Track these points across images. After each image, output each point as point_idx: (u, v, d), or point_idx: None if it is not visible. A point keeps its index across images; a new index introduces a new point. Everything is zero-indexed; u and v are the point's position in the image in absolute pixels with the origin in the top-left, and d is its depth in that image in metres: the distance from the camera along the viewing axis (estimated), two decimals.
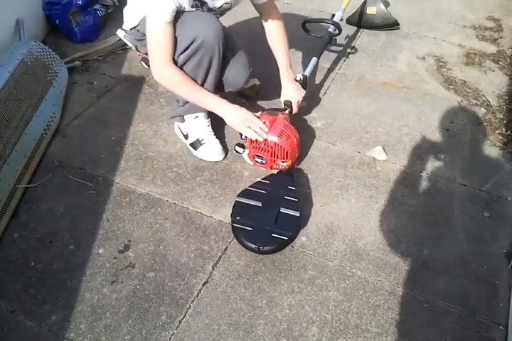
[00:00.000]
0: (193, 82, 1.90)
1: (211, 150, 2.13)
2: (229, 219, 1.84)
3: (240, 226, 1.80)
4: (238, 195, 1.90)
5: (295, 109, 2.16)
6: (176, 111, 2.12)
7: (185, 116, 2.12)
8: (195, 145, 2.13)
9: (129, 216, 1.91)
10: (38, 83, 2.31)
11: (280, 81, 2.19)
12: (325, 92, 2.55)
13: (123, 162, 2.12)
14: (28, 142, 2.09)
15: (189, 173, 2.09)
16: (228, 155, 2.18)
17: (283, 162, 2.02)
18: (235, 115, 1.95)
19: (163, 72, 1.87)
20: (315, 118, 2.39)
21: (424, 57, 2.86)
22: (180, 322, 1.61)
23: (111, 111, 2.36)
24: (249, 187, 1.94)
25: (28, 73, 2.29)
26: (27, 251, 1.77)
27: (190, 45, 1.81)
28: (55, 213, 1.90)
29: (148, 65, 2.06)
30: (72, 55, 2.65)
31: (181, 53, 1.84)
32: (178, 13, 1.77)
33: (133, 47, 2.11)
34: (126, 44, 2.14)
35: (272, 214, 1.83)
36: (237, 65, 2.06)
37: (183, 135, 2.16)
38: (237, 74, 2.08)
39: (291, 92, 2.17)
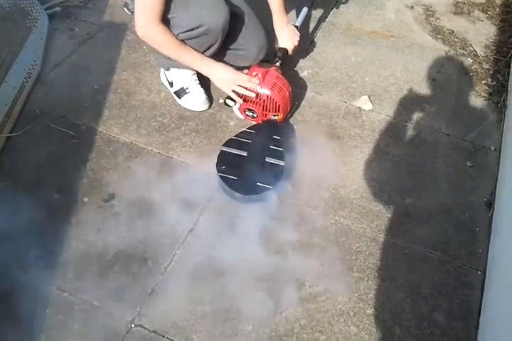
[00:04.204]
0: (179, 43, 1.83)
1: (195, 100, 2.10)
2: (214, 169, 1.84)
3: (225, 175, 1.81)
4: (223, 145, 1.90)
5: (290, 52, 2.11)
6: (161, 61, 2.07)
7: None
8: (179, 93, 2.10)
9: (114, 165, 1.90)
10: (17, 29, 2.23)
11: (272, 26, 2.10)
12: (312, 41, 2.50)
13: (106, 111, 2.09)
14: (9, 90, 2.05)
15: (174, 123, 2.07)
16: (213, 104, 2.15)
17: (274, 115, 1.99)
18: (222, 76, 1.92)
19: (149, 32, 1.80)
20: (301, 68, 2.35)
21: (412, 6, 2.80)
22: (166, 268, 1.64)
23: (93, 59, 2.31)
24: (235, 136, 1.93)
25: (6, 19, 2.21)
26: (10, 200, 1.76)
27: (193, 28, 1.78)
28: (39, 162, 1.88)
29: (131, 11, 1.99)
30: (52, 0, 2.55)
31: (182, 32, 1.80)
32: None
33: None
34: None
35: (257, 163, 1.84)
36: (257, 41, 2.02)
37: (169, 82, 2.12)
38: (257, 51, 2.03)
39: (287, 38, 2.09)
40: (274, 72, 1.98)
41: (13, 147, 1.93)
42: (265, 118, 2.02)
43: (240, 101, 1.95)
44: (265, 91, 1.93)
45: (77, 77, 2.22)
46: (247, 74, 1.95)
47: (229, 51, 2.04)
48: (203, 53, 1.90)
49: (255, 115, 2.01)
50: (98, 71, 2.25)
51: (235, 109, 2.07)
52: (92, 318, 1.51)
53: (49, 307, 1.53)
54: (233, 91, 1.92)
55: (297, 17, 2.29)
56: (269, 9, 2.06)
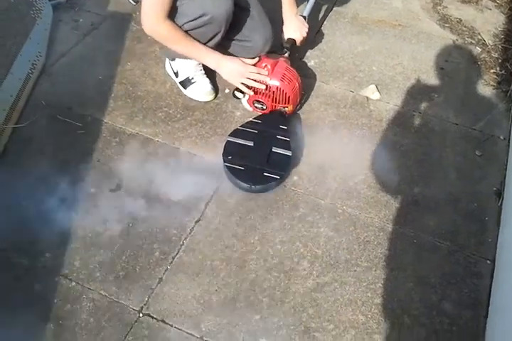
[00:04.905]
0: (186, 38, 1.82)
1: (201, 90, 2.08)
2: (220, 159, 1.83)
3: (231, 165, 1.80)
4: (229, 135, 1.88)
5: (298, 44, 2.08)
6: (166, 51, 2.06)
7: None
8: (184, 83, 2.08)
9: (120, 156, 1.89)
10: (21, 21, 2.22)
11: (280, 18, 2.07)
12: (318, 30, 2.47)
13: (111, 101, 2.08)
14: (14, 82, 2.04)
15: (179, 113, 2.06)
16: (219, 94, 2.14)
17: (284, 107, 1.97)
18: (230, 69, 1.90)
19: (156, 28, 1.78)
20: (308, 57, 2.33)
21: None
22: (173, 258, 1.63)
23: (97, 50, 2.30)
24: (241, 126, 1.91)
25: (10, 10, 2.19)
26: (17, 192, 1.76)
27: (197, 18, 1.76)
28: (45, 153, 1.88)
29: (135, 1, 1.98)
30: None
31: (186, 23, 1.78)
32: None
33: None
34: None
35: (263, 153, 1.83)
36: (263, 33, 1.97)
37: (174, 73, 2.11)
38: (263, 43, 1.98)
39: (295, 29, 2.05)
40: (283, 63, 1.96)
41: (19, 138, 1.92)
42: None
43: (250, 93, 1.93)
44: (275, 82, 1.91)
45: (82, 68, 2.21)
46: (256, 65, 1.93)
47: (235, 42, 2.02)
48: (206, 43, 1.88)
49: (264, 107, 1.99)
50: (103, 62, 2.24)
51: (244, 101, 2.05)
52: (100, 308, 1.52)
53: (57, 297, 1.53)
54: (242, 83, 1.91)
55: (305, 7, 2.26)
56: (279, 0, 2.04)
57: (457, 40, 2.49)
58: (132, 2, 2.05)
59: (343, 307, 1.55)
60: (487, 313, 1.55)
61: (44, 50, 2.25)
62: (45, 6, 2.39)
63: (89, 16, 2.47)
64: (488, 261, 1.67)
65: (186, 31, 1.81)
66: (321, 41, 2.42)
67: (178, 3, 1.76)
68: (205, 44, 1.88)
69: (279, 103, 1.96)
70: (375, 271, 1.64)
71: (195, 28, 1.81)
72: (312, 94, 2.17)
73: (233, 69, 1.90)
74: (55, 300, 1.52)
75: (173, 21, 1.78)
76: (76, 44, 2.32)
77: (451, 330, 1.52)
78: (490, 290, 1.60)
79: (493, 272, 1.64)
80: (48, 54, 2.26)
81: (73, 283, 1.56)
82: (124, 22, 2.44)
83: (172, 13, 1.77)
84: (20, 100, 2.03)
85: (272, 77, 1.90)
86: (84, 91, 2.11)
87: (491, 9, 2.71)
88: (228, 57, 1.92)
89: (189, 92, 2.10)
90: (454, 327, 1.52)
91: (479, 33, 2.54)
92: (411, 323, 1.53)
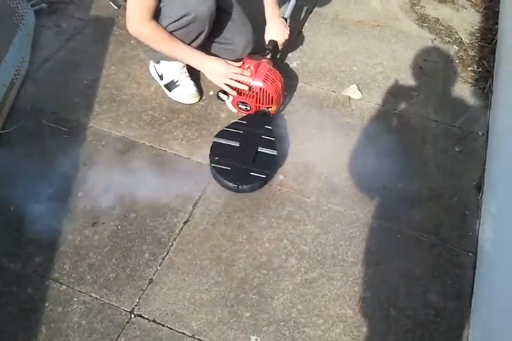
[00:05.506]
0: (171, 39, 1.84)
1: (186, 92, 2.10)
2: (207, 161, 1.85)
3: (218, 166, 1.82)
4: (215, 136, 1.91)
5: (280, 47, 2.11)
6: (150, 54, 2.07)
7: None
8: (169, 86, 2.10)
9: (106, 159, 1.91)
10: (3, 27, 2.22)
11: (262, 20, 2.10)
12: (299, 31, 2.51)
13: (96, 105, 2.09)
14: None
15: (165, 116, 2.08)
16: (204, 97, 2.16)
17: (268, 108, 2.00)
18: (214, 69, 1.92)
19: (141, 28, 1.80)
20: (290, 58, 2.37)
21: None
22: (163, 259, 1.65)
23: (81, 54, 2.31)
24: (227, 127, 1.94)
25: None
26: (5, 197, 1.77)
27: (180, 18, 1.78)
28: (31, 159, 1.88)
29: (118, 5, 1.99)
30: None
31: (170, 23, 1.80)
32: None
33: None
34: None
35: (249, 153, 1.85)
36: (244, 37, 2.01)
37: (159, 75, 2.13)
38: (244, 46, 2.02)
39: (277, 31, 2.08)
40: (266, 64, 1.99)
41: (5, 144, 1.92)
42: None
43: (233, 93, 1.95)
44: (258, 83, 1.93)
45: (66, 73, 2.22)
46: (239, 66, 1.96)
47: (216, 44, 2.05)
48: (190, 44, 1.90)
49: (249, 108, 2.02)
50: (87, 66, 2.25)
51: (228, 102, 2.07)
52: (92, 310, 1.53)
53: (48, 301, 1.54)
54: (226, 84, 1.94)
55: (286, 9, 2.29)
56: (261, 2, 2.06)
57: (435, 39, 2.54)
58: (114, 6, 2.06)
59: (331, 302, 1.59)
60: (471, 304, 1.60)
61: (27, 56, 2.26)
62: (28, 11, 2.39)
63: (71, 21, 2.47)
64: (470, 253, 1.72)
65: (170, 32, 1.84)
66: (302, 43, 2.46)
67: (161, 5, 1.78)
68: (189, 44, 1.90)
69: (262, 104, 1.99)
70: (361, 265, 1.67)
71: (179, 29, 1.82)
72: (295, 94, 2.21)
73: (217, 70, 1.92)
74: (46, 304, 1.53)
75: (158, 22, 1.81)
76: (59, 49, 2.33)
77: (437, 321, 1.56)
78: (473, 282, 1.65)
79: (475, 264, 1.69)
80: (31, 59, 2.26)
81: (64, 287, 1.57)
82: (107, 26, 2.45)
83: (155, 15, 1.79)
84: (4, 106, 2.03)
85: (255, 78, 1.93)
86: (69, 96, 2.12)
87: (466, 8, 2.77)
88: (213, 57, 1.94)
89: (174, 95, 2.12)
90: (439, 318, 1.56)
91: (456, 32, 2.59)
92: (397, 315, 1.56)
